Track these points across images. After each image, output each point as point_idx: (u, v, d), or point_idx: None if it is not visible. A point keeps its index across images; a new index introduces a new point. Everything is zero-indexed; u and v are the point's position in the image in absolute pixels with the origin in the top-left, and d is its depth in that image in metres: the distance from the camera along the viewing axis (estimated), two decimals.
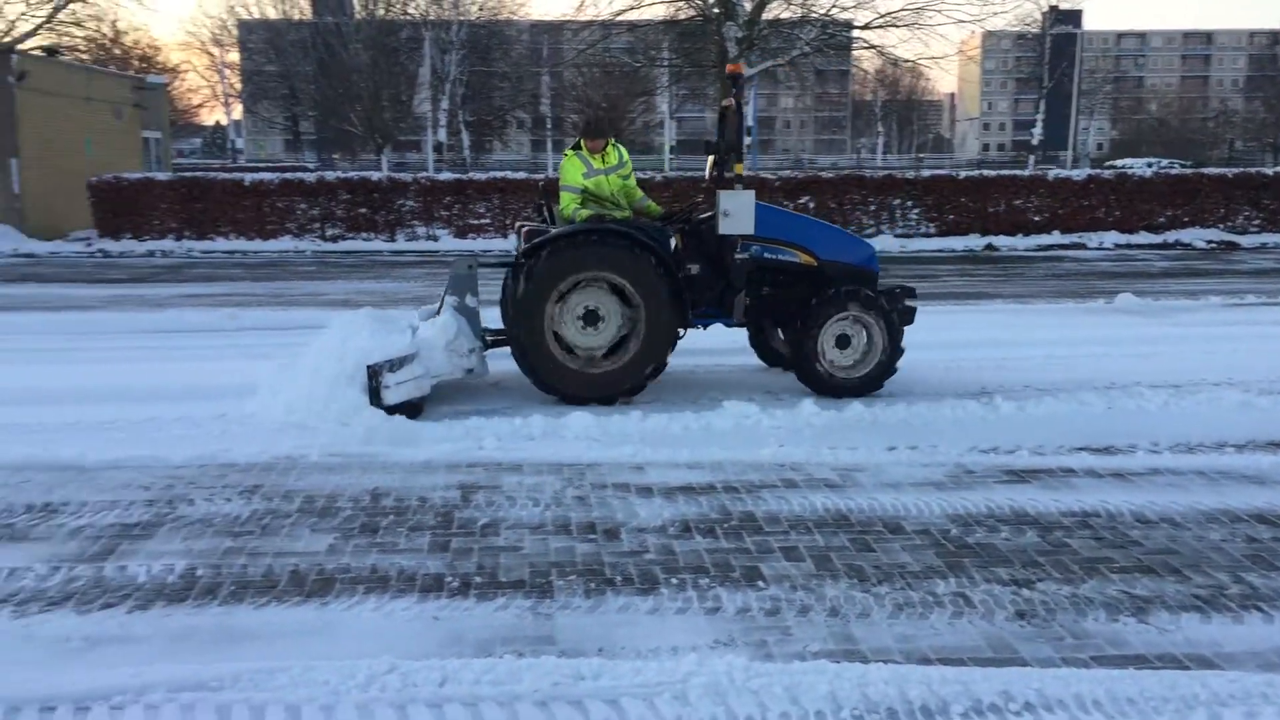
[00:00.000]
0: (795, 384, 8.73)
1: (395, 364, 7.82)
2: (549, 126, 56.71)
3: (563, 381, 8.42)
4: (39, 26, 38.24)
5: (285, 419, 7.58)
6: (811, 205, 24.08)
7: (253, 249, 23.53)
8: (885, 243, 23.24)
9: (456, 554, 5.29)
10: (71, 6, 37.64)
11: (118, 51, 49.90)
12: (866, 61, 58.64)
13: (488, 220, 24.95)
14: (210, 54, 64.84)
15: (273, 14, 64.60)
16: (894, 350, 8.62)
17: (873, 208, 25.02)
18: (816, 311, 8.55)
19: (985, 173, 26.50)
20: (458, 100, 52.58)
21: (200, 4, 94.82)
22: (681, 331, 8.62)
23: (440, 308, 8.67)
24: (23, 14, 46.24)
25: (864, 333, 8.62)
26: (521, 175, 26.61)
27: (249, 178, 24.98)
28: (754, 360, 9.87)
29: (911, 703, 3.82)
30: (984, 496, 6.14)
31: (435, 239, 24.59)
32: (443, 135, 50.03)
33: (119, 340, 11.48)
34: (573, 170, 8.69)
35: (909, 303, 8.86)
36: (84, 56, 39.94)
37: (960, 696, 3.86)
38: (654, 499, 6.12)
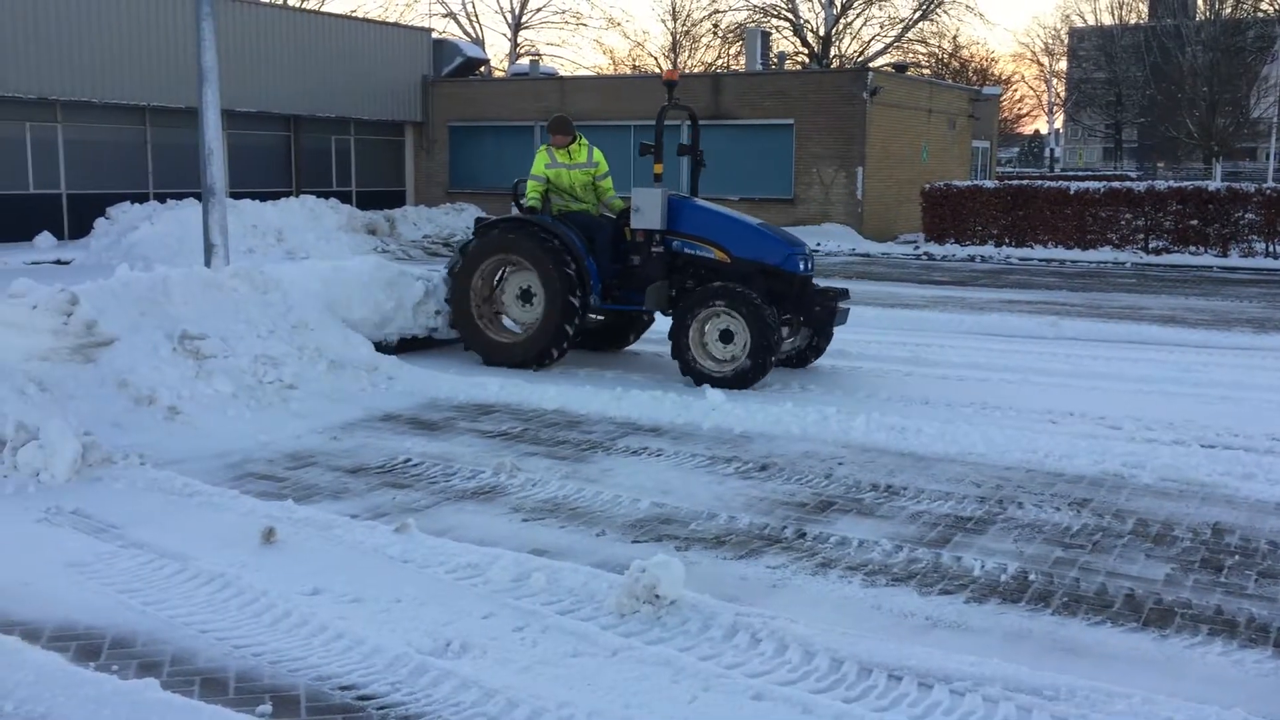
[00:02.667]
0: None
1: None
2: None
3: (480, 346, 9.93)
4: (889, 45, 41.71)
5: None
6: None
7: (1070, 258, 23.23)
8: None
9: None
10: (919, 25, 40.43)
11: (955, 65, 52.53)
12: None
13: None
14: (1040, 64, 65.56)
15: (1107, 20, 63.26)
16: (760, 348, 8.80)
17: None
18: (687, 305, 9.11)
19: None
20: None
21: (1036, 15, 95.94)
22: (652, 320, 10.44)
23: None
24: (876, 35, 50.86)
25: (744, 329, 8.86)
26: None
27: (1074, 186, 24.69)
28: None
29: None
30: None
31: (1276, 256, 22.15)
32: None
33: (946, 339, 12.02)
34: (538, 162, 9.96)
35: (842, 304, 9.47)
36: (925, 71, 42.72)
37: None
38: None
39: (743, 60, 39.56)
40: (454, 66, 33.28)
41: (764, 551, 5.38)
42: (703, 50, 54.57)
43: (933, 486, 6.45)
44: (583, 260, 9.54)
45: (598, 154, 10.20)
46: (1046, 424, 7.92)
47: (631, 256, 9.68)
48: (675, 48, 54.41)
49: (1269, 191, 22.87)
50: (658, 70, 55.79)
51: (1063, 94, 63.13)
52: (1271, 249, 22.38)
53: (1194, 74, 46.50)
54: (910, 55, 43.53)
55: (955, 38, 61.51)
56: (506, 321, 10.35)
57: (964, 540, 5.55)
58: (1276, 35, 42.87)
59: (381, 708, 3.78)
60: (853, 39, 47.06)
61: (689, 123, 10.52)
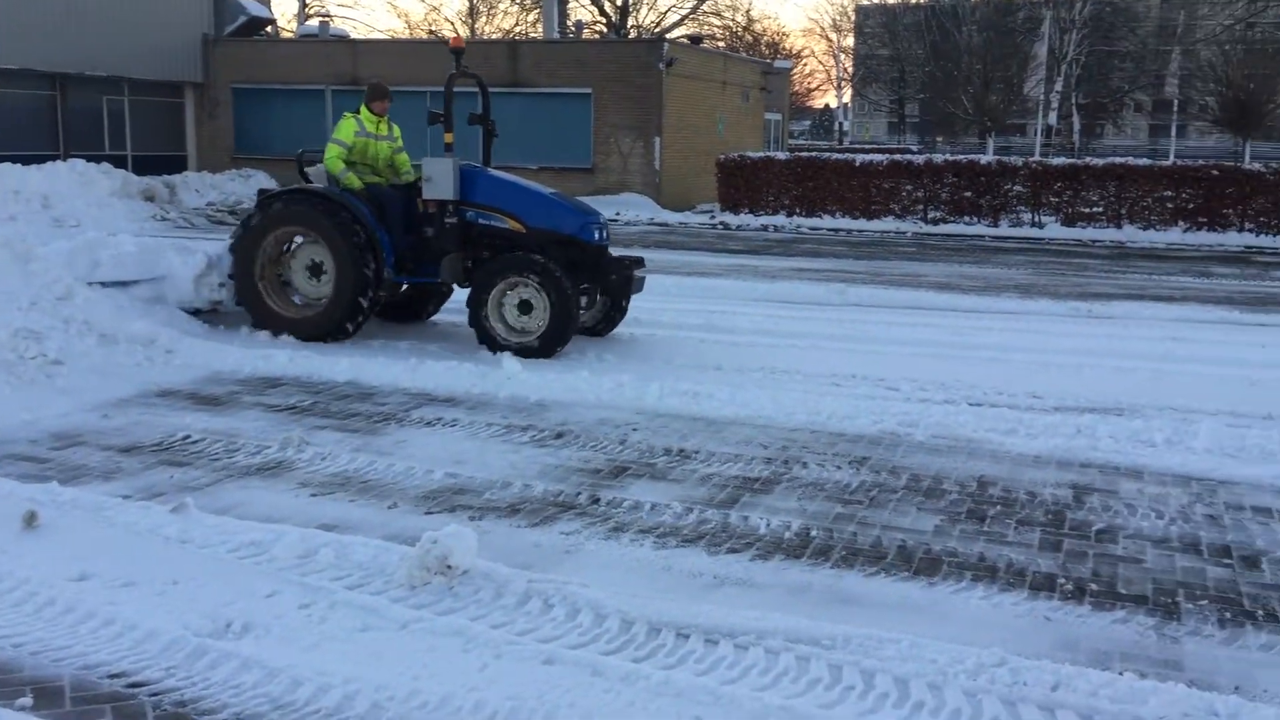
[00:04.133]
0: None
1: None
2: (1174, 110, 52.15)
3: (265, 319, 9.53)
4: (685, 17, 42.18)
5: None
6: None
7: (856, 228, 24.20)
8: None
9: (1069, 556, 5.04)
10: None
11: (748, 38, 53.64)
12: None
13: (1100, 209, 23.51)
14: (829, 39, 67.74)
15: None
16: (560, 316, 8.84)
17: None
18: (485, 276, 9.12)
19: None
20: (1072, 82, 50.07)
21: None
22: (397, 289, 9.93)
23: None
24: (672, 6, 51.42)
25: (543, 298, 8.90)
26: (1144, 161, 24.68)
27: (859, 159, 25.67)
28: None
29: None
30: None
31: (1040, 226, 23.65)
32: (1053, 119, 47.94)
33: (739, 306, 12.31)
34: (346, 128, 9.53)
35: (638, 273, 9.57)
36: (720, 43, 43.49)
37: None
38: None
39: (540, 28, 39.30)
40: (237, 25, 31.79)
41: (558, 518, 5.41)
42: (500, 16, 53.97)
43: (723, 449, 6.62)
44: (373, 231, 9.27)
45: (397, 128, 9.99)
46: (831, 386, 8.24)
47: (425, 228, 9.46)
48: (473, 13, 53.58)
49: (1035, 165, 24.41)
50: (455, 35, 54.84)
51: (850, 69, 65.41)
52: (1037, 219, 23.88)
53: (969, 52, 48.99)
54: (705, 27, 44.29)
55: (749, 11, 62.87)
56: (296, 297, 9.91)
57: (751, 500, 5.73)
58: (1044, 17, 45.52)
59: (154, 694, 3.62)
60: (649, 9, 47.44)
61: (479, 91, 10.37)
